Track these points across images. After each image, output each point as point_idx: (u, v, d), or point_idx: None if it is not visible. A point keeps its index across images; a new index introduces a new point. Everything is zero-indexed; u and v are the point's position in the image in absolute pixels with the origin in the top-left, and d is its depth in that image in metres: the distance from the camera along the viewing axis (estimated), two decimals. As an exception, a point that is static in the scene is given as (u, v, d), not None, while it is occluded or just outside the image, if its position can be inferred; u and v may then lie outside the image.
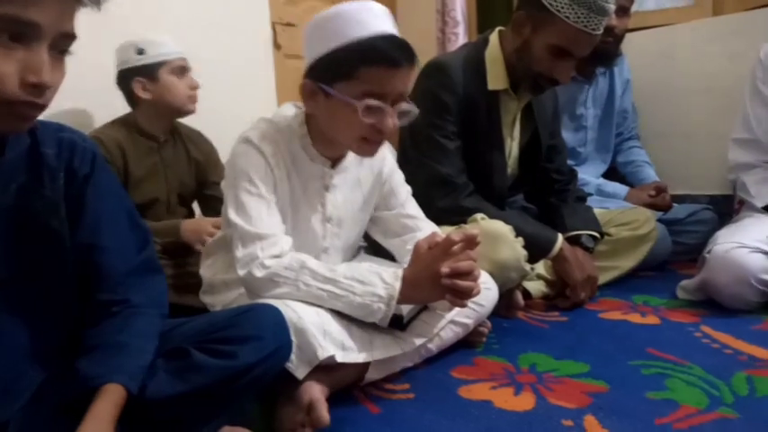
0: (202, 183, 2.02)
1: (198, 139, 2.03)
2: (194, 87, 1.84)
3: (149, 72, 1.78)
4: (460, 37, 2.75)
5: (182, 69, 1.82)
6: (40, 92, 0.70)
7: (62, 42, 0.73)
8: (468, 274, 1.09)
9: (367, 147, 1.15)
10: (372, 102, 1.07)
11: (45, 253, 0.83)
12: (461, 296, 1.10)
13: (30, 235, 0.82)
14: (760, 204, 1.66)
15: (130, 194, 1.78)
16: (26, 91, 0.68)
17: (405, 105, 1.12)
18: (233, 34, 2.63)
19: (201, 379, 0.86)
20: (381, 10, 1.11)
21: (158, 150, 1.88)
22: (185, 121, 2.00)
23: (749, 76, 1.83)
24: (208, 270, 1.36)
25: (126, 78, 1.80)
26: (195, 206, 2.10)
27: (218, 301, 1.30)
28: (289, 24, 3.03)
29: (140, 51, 1.77)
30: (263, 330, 0.92)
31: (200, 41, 2.40)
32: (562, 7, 1.48)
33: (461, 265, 1.08)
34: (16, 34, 0.67)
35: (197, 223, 1.79)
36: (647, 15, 2.66)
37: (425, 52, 3.03)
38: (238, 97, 2.62)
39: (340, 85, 1.08)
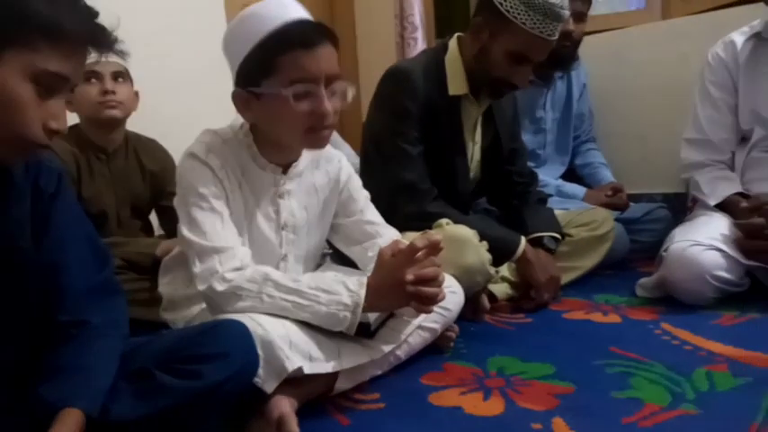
0: (158, 194, 1.96)
1: (152, 148, 1.97)
2: (106, 92, 1.71)
3: None
4: (419, 42, 2.77)
5: (92, 75, 1.71)
6: (54, 136, 0.77)
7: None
8: (433, 280, 1.09)
9: (314, 137, 1.13)
10: (300, 87, 1.06)
11: (8, 272, 0.82)
12: (427, 302, 1.10)
13: None
14: (712, 203, 1.71)
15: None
16: (48, 135, 0.76)
17: (338, 85, 1.11)
18: (195, 40, 2.58)
19: (166, 400, 0.84)
20: (292, 1, 1.12)
21: (107, 162, 1.82)
22: (146, 131, 1.95)
23: (698, 78, 1.89)
24: (167, 287, 1.33)
25: None
26: (153, 217, 2.06)
27: (180, 317, 1.27)
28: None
29: None
30: (228, 347, 0.91)
31: (162, 49, 2.36)
32: (518, 14, 1.50)
33: (426, 271, 1.08)
34: (48, 85, 0.75)
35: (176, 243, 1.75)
36: (600, 19, 2.72)
37: (385, 57, 3.05)
38: (195, 102, 2.57)
39: (266, 82, 1.07)
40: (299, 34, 1.06)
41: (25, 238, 0.84)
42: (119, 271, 1.69)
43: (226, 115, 2.56)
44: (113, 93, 1.72)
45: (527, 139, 2.19)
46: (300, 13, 1.10)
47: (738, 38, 1.79)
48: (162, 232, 2.08)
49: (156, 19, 2.40)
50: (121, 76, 1.77)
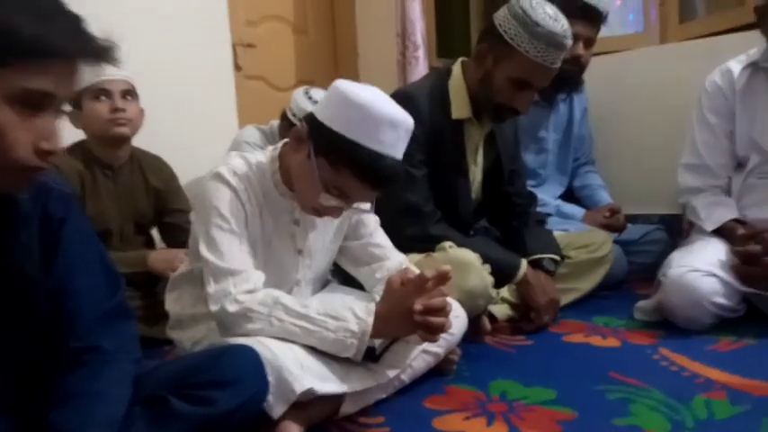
0: (162, 211, 1.98)
1: (157, 165, 1.99)
2: (116, 110, 1.73)
3: (76, 102, 1.73)
4: (421, 61, 2.80)
5: (101, 92, 1.73)
6: (49, 157, 0.73)
7: (64, 103, 0.76)
8: (441, 310, 1.11)
9: (314, 213, 1.19)
10: (335, 198, 1.12)
11: (18, 298, 0.82)
12: (434, 332, 1.12)
13: (3, 280, 0.80)
14: (709, 228, 1.74)
15: None
16: (39, 157, 0.72)
17: (361, 207, 1.20)
18: (193, 55, 2.61)
19: (180, 427, 0.86)
20: (405, 131, 1.11)
21: (113, 178, 1.84)
22: (145, 145, 1.97)
23: (696, 104, 1.92)
24: (174, 305, 1.34)
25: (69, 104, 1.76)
26: (155, 232, 2.07)
27: (187, 337, 1.29)
28: (249, 45, 3.03)
29: None
30: (241, 374, 0.93)
31: (161, 63, 2.39)
32: (522, 41, 1.53)
33: (434, 302, 1.11)
34: (29, 103, 0.70)
35: (167, 253, 1.78)
36: (599, 41, 2.73)
37: (386, 75, 3.09)
38: (199, 119, 2.61)
39: (323, 161, 1.09)
40: (375, 175, 1.08)
41: (33, 263, 0.83)
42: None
43: (220, 134, 2.61)
44: (123, 111, 1.74)
45: (529, 158, 2.23)
46: (399, 152, 1.11)
47: (735, 66, 1.83)
48: (164, 246, 2.10)
49: (160, 35, 2.43)
50: (130, 93, 1.80)
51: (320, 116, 1.10)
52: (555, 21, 1.52)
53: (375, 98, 1.07)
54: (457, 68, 1.73)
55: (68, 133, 1.81)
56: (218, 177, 1.17)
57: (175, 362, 0.99)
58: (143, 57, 2.26)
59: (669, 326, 1.61)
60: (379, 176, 1.08)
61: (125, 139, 1.81)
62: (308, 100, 2.13)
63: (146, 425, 0.84)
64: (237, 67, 2.96)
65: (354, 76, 3.36)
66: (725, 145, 1.83)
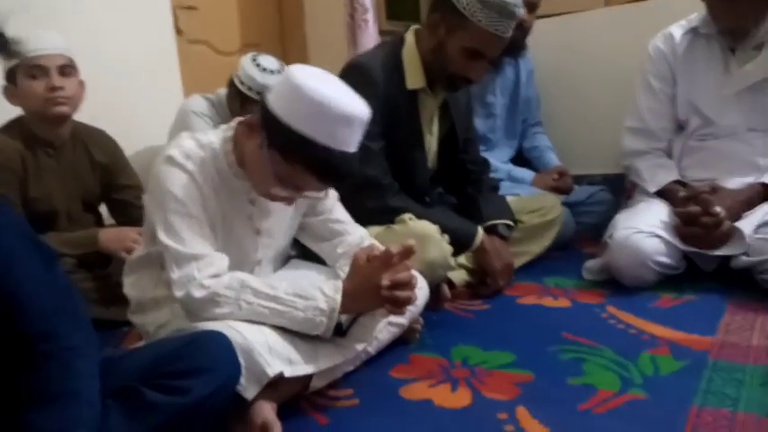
0: (109, 186, 1.92)
1: (101, 139, 1.91)
2: (52, 88, 1.63)
3: (11, 77, 1.64)
4: (371, 24, 2.77)
5: (38, 69, 1.62)
6: None
7: None
8: (407, 284, 1.15)
9: (269, 197, 1.18)
10: (288, 190, 1.12)
11: None
12: (400, 305, 1.15)
13: None
14: (652, 189, 1.83)
15: (28, 206, 1.67)
16: None
17: (314, 195, 1.21)
18: (132, 20, 2.49)
19: (157, 418, 0.86)
20: (360, 125, 1.09)
21: (55, 157, 1.76)
22: (86, 118, 1.88)
23: (639, 68, 1.99)
24: (132, 289, 1.32)
25: (5, 80, 1.66)
26: (103, 209, 2.01)
27: (149, 321, 1.28)
28: (190, 8, 2.91)
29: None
30: (213, 361, 0.94)
31: (97, 30, 2.27)
32: (474, 11, 1.53)
33: (400, 276, 1.14)
34: None
35: (118, 231, 1.73)
36: (545, 3, 2.78)
37: (335, 37, 3.04)
38: (142, 87, 2.51)
39: (276, 154, 1.07)
40: (329, 171, 1.07)
41: None
42: (70, 270, 1.66)
43: (164, 103, 2.52)
44: (61, 88, 1.65)
45: (478, 123, 2.26)
46: (351, 146, 1.09)
47: (677, 31, 1.90)
48: (113, 222, 2.04)
49: (97, 6, 2.31)
50: (68, 68, 1.70)
51: (274, 107, 1.06)
52: (506, -9, 1.52)
53: (331, 94, 1.04)
54: (410, 37, 1.72)
55: (4, 110, 1.73)
56: (171, 161, 1.14)
57: (144, 350, 0.99)
58: (79, 24, 2.17)
59: (615, 284, 1.70)
60: (334, 173, 1.08)
61: (65, 118, 1.73)
62: (257, 67, 2.07)
63: (121, 418, 0.84)
64: (179, 31, 2.84)
65: (302, 39, 3.29)
66: (667, 109, 1.91)
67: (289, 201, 1.16)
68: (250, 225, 1.26)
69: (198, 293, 1.08)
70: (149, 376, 0.90)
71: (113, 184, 1.93)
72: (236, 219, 1.23)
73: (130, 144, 2.06)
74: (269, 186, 1.12)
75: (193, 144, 1.18)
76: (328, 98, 1.03)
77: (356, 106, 1.08)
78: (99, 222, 1.99)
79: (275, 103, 1.06)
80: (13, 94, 1.66)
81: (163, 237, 1.12)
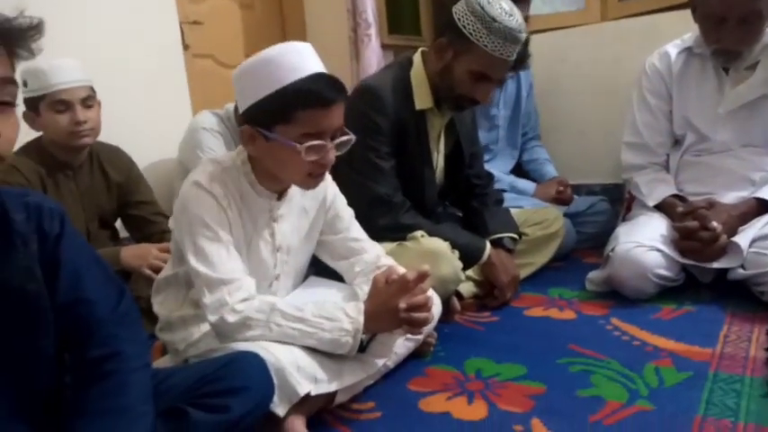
0: (124, 203, 1.98)
1: (116, 157, 1.96)
2: (77, 123, 1.69)
3: (33, 106, 1.69)
4: (373, 38, 2.83)
5: (62, 104, 1.68)
6: None
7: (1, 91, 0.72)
8: (423, 306, 1.22)
9: (311, 181, 1.24)
10: (313, 142, 1.15)
11: (23, 316, 0.84)
12: (417, 326, 1.23)
13: (6, 301, 0.82)
14: (651, 204, 1.91)
15: None
16: None
17: (343, 137, 1.21)
18: (141, 37, 2.54)
19: (200, 435, 0.92)
20: (308, 50, 1.18)
21: (73, 178, 1.82)
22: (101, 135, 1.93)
23: (636, 84, 2.06)
24: (161, 307, 1.38)
25: (24, 106, 1.70)
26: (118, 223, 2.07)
27: (179, 339, 1.33)
28: (196, 23, 2.96)
29: (24, 83, 1.66)
30: (250, 381, 1.00)
31: (109, 48, 2.32)
32: (480, 37, 1.60)
33: (417, 299, 1.21)
34: None
35: (139, 248, 1.78)
36: (542, 18, 2.87)
37: (338, 50, 3.09)
38: (152, 102, 2.55)
39: (279, 128, 1.14)
40: (321, 92, 1.12)
41: (37, 281, 0.85)
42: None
43: (173, 117, 2.57)
44: (85, 122, 1.71)
45: (481, 135, 2.32)
46: (318, 65, 1.16)
47: (672, 50, 1.97)
48: (126, 235, 2.10)
49: (107, 23, 2.35)
50: (91, 99, 1.75)
51: (245, 103, 1.16)
52: (510, 16, 1.59)
53: (263, 53, 1.14)
54: (417, 59, 1.78)
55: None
56: (198, 186, 1.19)
57: (184, 371, 1.04)
58: (89, 40, 2.22)
59: (617, 295, 1.77)
60: (325, 92, 1.13)
61: (87, 147, 1.80)
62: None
63: (168, 437, 0.90)
64: (185, 46, 2.89)
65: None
66: (664, 125, 1.99)
67: (329, 157, 1.18)
68: (271, 242, 1.32)
69: (231, 318, 1.14)
70: (191, 396, 0.96)
71: (129, 202, 1.99)
72: (257, 236, 1.29)
73: (140, 157, 2.11)
74: (299, 164, 1.16)
75: (218, 169, 1.24)
76: (262, 56, 1.14)
77: (292, 42, 1.17)
78: (115, 237, 2.05)
79: (243, 101, 1.17)
80: (34, 122, 1.71)
81: (193, 262, 1.17)
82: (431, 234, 1.65)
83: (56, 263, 0.87)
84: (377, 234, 1.56)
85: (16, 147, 1.52)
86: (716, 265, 1.69)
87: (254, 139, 1.18)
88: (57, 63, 1.67)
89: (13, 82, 0.74)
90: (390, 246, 1.62)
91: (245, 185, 1.25)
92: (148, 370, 0.95)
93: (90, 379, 0.87)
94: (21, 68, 1.64)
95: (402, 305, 1.19)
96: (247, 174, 1.25)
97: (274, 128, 1.15)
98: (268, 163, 1.22)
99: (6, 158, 0.76)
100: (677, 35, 1.99)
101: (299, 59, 1.15)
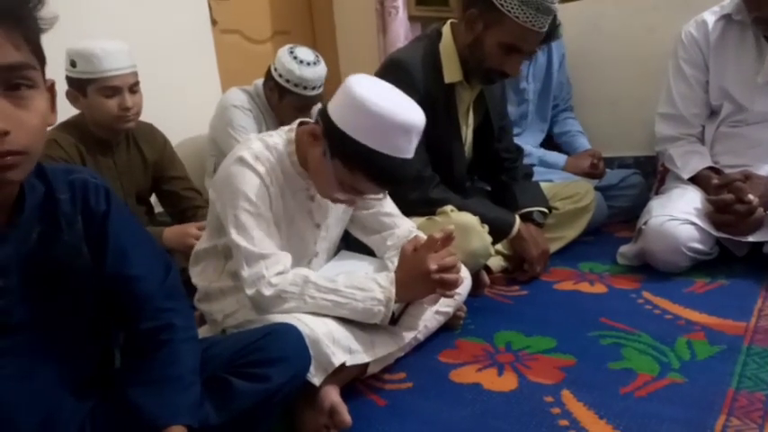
0: (159, 179, 2.02)
1: (151, 135, 2.00)
2: (126, 108, 1.74)
3: (79, 86, 1.72)
4: (400, 10, 2.80)
5: (111, 90, 1.71)
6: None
7: (8, 76, 0.69)
8: (453, 267, 1.25)
9: (329, 200, 1.28)
10: (349, 195, 1.22)
11: (72, 293, 0.87)
12: (449, 287, 1.26)
13: (54, 279, 0.85)
14: (686, 176, 1.87)
15: None
16: None
17: (374, 197, 1.32)
18: (170, 13, 2.56)
19: (242, 404, 0.96)
20: (417, 133, 1.16)
21: (111, 156, 1.87)
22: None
23: (672, 53, 2.01)
24: (199, 278, 1.42)
25: (67, 84, 1.74)
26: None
27: (216, 309, 1.37)
28: (223, -2, 2.96)
29: (72, 63, 1.70)
30: (288, 351, 1.03)
31: (139, 23, 2.35)
32: (512, 8, 1.57)
33: (447, 260, 1.25)
34: None
35: (179, 229, 1.82)
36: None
37: (365, 24, 3.07)
38: (181, 78, 2.58)
39: (339, 163, 1.16)
40: (387, 177, 1.16)
41: (84, 257, 0.87)
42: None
43: (203, 93, 2.59)
44: (132, 107, 1.76)
45: (510, 109, 2.31)
46: (409, 153, 1.16)
47: (710, 17, 1.92)
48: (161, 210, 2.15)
49: (143, 26, 2.37)
50: (137, 85, 1.79)
51: (335, 117, 1.14)
52: (543, -14, 1.56)
53: (391, 107, 1.11)
54: (447, 32, 1.77)
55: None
56: (242, 162, 1.22)
57: (225, 342, 1.07)
58: (119, 19, 2.24)
59: (648, 269, 1.76)
60: (394, 179, 1.17)
61: (129, 129, 1.84)
62: (294, 60, 2.14)
63: (212, 405, 0.94)
64: (213, 22, 2.90)
65: (331, 27, 3.33)
66: (700, 95, 1.94)
67: (350, 203, 1.24)
68: (310, 220, 1.35)
69: (267, 291, 1.17)
70: (232, 365, 0.99)
71: (163, 177, 2.03)
72: (298, 215, 1.32)
73: (171, 133, 2.14)
74: (332, 191, 1.21)
75: (262, 146, 1.26)
76: (388, 111, 1.11)
77: (413, 116, 1.15)
78: (150, 212, 2.10)
79: (336, 114, 1.14)
80: (78, 101, 1.75)
81: (234, 235, 1.20)
82: (460, 208, 1.65)
83: (103, 240, 0.89)
84: (407, 208, 1.57)
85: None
86: (751, 238, 1.67)
87: (316, 142, 1.20)
88: (108, 48, 1.70)
89: (24, 66, 0.69)
90: (420, 220, 1.63)
91: (287, 163, 1.28)
92: (197, 341, 0.98)
93: (143, 350, 0.91)
94: (70, 49, 1.71)
95: (433, 266, 1.22)
96: (290, 154, 1.28)
97: (337, 159, 1.16)
98: (310, 163, 1.25)
99: (30, 153, 0.72)
100: (715, 2, 1.93)
101: (406, 143, 1.14)
